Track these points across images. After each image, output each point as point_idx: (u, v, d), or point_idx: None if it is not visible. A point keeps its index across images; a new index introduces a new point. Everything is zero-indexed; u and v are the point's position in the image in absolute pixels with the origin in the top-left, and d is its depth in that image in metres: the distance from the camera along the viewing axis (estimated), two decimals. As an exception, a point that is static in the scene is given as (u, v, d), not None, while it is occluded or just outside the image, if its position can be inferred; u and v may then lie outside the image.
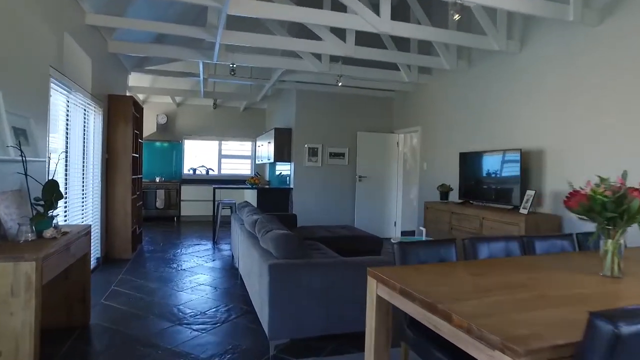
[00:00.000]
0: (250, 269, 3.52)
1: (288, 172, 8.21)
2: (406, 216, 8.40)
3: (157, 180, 9.85)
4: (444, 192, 6.09)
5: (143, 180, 10.13)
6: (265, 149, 8.86)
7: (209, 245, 7.02)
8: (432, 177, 6.97)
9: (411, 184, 8.48)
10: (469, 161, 5.78)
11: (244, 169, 11.00)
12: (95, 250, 5.15)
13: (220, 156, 10.82)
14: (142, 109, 6.81)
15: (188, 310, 3.76)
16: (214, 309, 3.82)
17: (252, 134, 10.83)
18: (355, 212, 8.02)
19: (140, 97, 9.96)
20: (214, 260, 5.85)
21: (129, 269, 5.16)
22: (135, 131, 6.13)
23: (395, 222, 8.33)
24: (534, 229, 4.36)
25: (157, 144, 10.25)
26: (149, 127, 10.09)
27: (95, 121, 5.12)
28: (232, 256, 5.92)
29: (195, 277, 4.95)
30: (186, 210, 9.87)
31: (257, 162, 10.29)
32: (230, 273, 5.17)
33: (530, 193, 4.59)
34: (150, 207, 9.60)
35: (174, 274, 5.03)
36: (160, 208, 9.65)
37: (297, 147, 7.79)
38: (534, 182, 4.84)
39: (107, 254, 5.55)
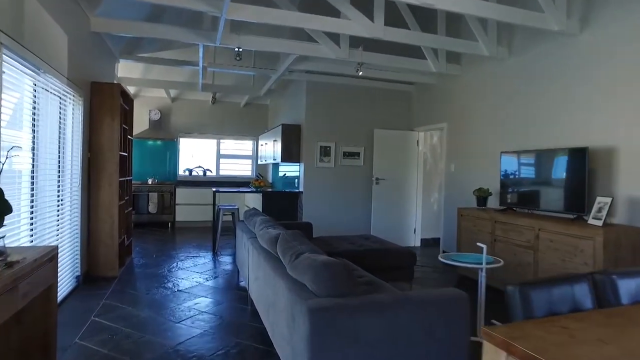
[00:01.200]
0: (271, 302, 2.68)
1: (296, 174, 7.37)
2: (427, 223, 7.60)
3: (150, 182, 8.97)
4: (482, 197, 5.28)
5: (133, 182, 9.26)
6: (270, 148, 8.01)
7: (209, 256, 6.16)
8: (461, 179, 6.16)
9: (431, 187, 7.67)
10: (514, 162, 4.97)
11: (244, 170, 10.13)
12: (74, 268, 4.28)
13: (219, 156, 9.95)
14: (132, 101, 5.94)
15: (189, 355, 2.90)
16: (223, 351, 2.97)
17: (253, 131, 9.97)
18: (371, 218, 7.20)
19: (131, 90, 9.06)
20: (215, 278, 4.99)
21: (115, 291, 4.29)
22: (124, 126, 5.26)
23: (414, 229, 7.52)
24: (613, 245, 3.56)
25: (150, 142, 9.36)
26: (141, 123, 9.20)
27: (74, 113, 4.25)
28: (237, 271, 5.07)
29: (195, 301, 4.09)
30: (181, 215, 8.98)
31: (259, 162, 9.43)
32: (237, 296, 4.32)
33: (604, 200, 3.77)
34: (141, 211, 8.71)
35: (169, 297, 4.17)
36: (152, 213, 8.76)
37: (308, 146, 6.95)
38: (601, 187, 4.04)
39: (89, 271, 4.68)
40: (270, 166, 9.55)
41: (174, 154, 9.54)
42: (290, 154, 7.08)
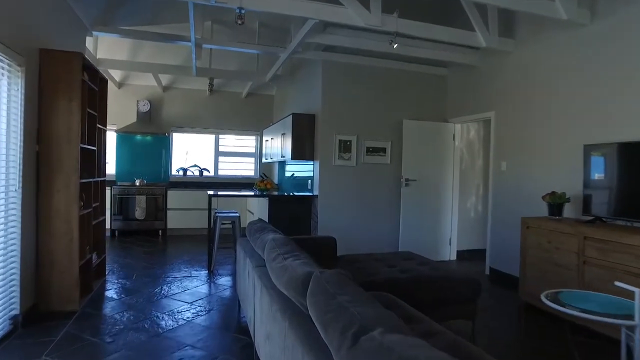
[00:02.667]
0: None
1: (308, 174, 6.15)
2: (463, 231, 6.38)
3: (137, 184, 7.75)
4: (556, 204, 4.05)
5: (119, 183, 8.07)
6: (277, 143, 6.80)
7: (203, 276, 4.94)
8: (516, 181, 4.94)
9: (468, 190, 6.45)
10: (608, 158, 3.75)
11: (246, 169, 8.91)
12: (9, 305, 3.06)
13: (218, 153, 8.73)
14: (105, 81, 4.73)
15: None
16: None
17: (257, 125, 8.75)
18: (400, 227, 5.97)
19: (117, 76, 7.86)
20: (209, 311, 3.77)
21: (67, 338, 3.07)
22: (90, 111, 4.04)
23: (449, 240, 6.29)
24: None
25: (138, 137, 8.15)
26: (127, 115, 8.00)
27: (10, 89, 3.04)
28: (238, 302, 3.86)
29: (182, 352, 2.87)
30: (174, 221, 7.77)
31: (263, 160, 8.20)
32: (238, 344, 3.09)
33: None
34: (128, 217, 7.50)
35: (142, 349, 2.94)
36: (140, 219, 7.54)
37: (324, 140, 5.72)
38: None
39: (37, 305, 3.46)
40: (277, 165, 8.33)
41: (166, 151, 8.33)
42: (302, 150, 5.86)
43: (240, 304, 3.53)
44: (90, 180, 4.07)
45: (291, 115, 5.84)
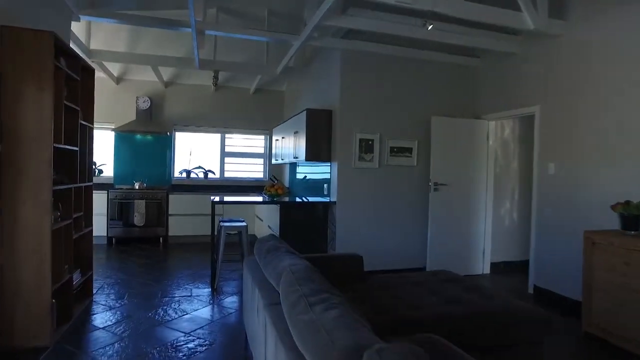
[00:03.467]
0: None
1: (324, 176, 5.48)
2: (497, 241, 5.67)
3: (137, 187, 7.13)
4: (632, 216, 3.33)
5: (117, 187, 7.47)
6: (288, 143, 6.13)
7: (205, 295, 4.29)
8: (570, 186, 4.22)
9: (502, 195, 5.74)
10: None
11: (254, 171, 8.26)
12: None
13: (224, 154, 8.08)
14: (92, 71, 4.11)
15: None
16: None
17: (266, 124, 8.10)
18: (428, 236, 5.27)
19: (114, 71, 7.25)
20: (211, 345, 3.11)
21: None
22: (69, 104, 3.40)
23: (483, 251, 5.58)
24: None
25: (137, 136, 7.53)
26: (126, 113, 7.39)
27: (-43, 71, 2.40)
28: (244, 331, 3.19)
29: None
30: (176, 227, 7.13)
31: (273, 161, 7.53)
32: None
33: None
34: (126, 223, 6.88)
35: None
36: (139, 226, 6.92)
37: (342, 139, 5.04)
38: None
39: (-2, 341, 2.82)
40: (287, 167, 7.66)
41: (168, 151, 7.71)
42: (318, 151, 5.19)
43: (247, 334, 2.87)
44: (70, 186, 3.42)
45: (305, 112, 5.17)
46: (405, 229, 5.27)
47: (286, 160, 6.39)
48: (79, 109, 3.58)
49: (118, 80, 7.47)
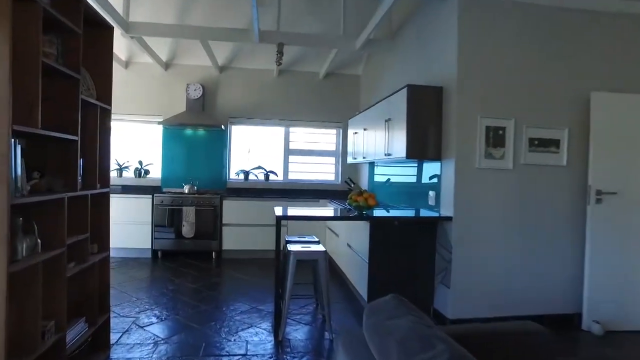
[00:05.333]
0: None
1: (428, 180, 3.95)
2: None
3: (186, 191, 6.00)
4: None
5: (164, 190, 6.38)
6: (373, 136, 4.67)
7: (266, 353, 2.93)
8: None
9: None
10: None
11: (325, 172, 6.87)
12: None
13: (288, 152, 6.77)
14: (108, 28, 2.83)
15: None
16: None
17: (338, 115, 6.69)
18: (585, 270, 3.57)
19: (162, 55, 6.16)
20: None
21: None
22: (61, 68, 2.15)
23: (664, 292, 3.77)
24: None
25: (188, 131, 6.41)
26: (175, 104, 6.30)
27: None
28: None
29: None
30: (231, 240, 5.91)
31: (349, 160, 6.08)
32: None
33: None
34: (173, 234, 5.75)
35: None
36: (188, 237, 5.76)
37: (460, 128, 3.47)
38: None
39: None
40: (366, 168, 6.20)
41: (223, 148, 6.52)
42: (423, 144, 3.66)
43: None
44: (62, 195, 2.17)
45: (406, 89, 3.65)
46: (549, 258, 3.61)
47: (369, 159, 4.91)
48: (78, 76, 2.32)
49: (167, 65, 6.39)
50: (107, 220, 2.82)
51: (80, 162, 2.45)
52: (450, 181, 3.51)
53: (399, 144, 3.76)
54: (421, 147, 3.65)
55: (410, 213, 3.94)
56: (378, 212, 3.77)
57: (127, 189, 6.06)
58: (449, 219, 3.46)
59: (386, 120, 4.09)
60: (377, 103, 4.54)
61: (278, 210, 3.59)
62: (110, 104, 2.82)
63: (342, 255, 4.73)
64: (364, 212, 3.55)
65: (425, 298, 3.65)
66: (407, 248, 3.62)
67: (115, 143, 6.52)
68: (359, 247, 3.87)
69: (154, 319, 3.53)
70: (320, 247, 3.40)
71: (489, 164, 3.48)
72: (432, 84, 3.77)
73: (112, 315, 3.44)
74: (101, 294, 2.75)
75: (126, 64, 6.34)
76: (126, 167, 6.40)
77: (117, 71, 6.31)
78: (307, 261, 3.41)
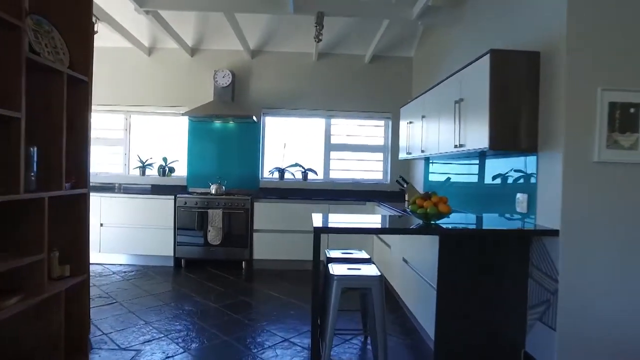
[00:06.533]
0: None
1: (510, 179, 2.98)
2: None
3: (213, 191, 5.28)
4: None
5: (190, 189, 5.70)
6: (436, 125, 3.73)
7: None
8: None
9: None
10: None
11: (371, 169, 5.96)
12: None
13: (329, 146, 5.91)
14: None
15: None
16: None
17: (386, 104, 5.77)
18: None
19: (188, 39, 5.47)
20: None
21: None
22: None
23: None
24: None
25: (216, 124, 5.69)
26: (202, 94, 5.60)
27: None
28: None
29: None
30: (263, 248, 5.13)
31: (401, 156, 5.13)
32: None
33: None
34: (196, 242, 5.05)
35: None
36: (214, 244, 5.03)
37: (570, 106, 2.47)
38: None
39: None
40: (420, 165, 5.26)
41: (255, 143, 5.75)
42: (513, 131, 2.68)
43: None
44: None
45: (488, 56, 2.69)
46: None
47: (430, 153, 3.96)
48: (20, 26, 1.56)
49: (193, 51, 5.70)
50: (84, 233, 2.06)
51: (33, 151, 1.69)
52: (554, 180, 2.53)
53: (478, 131, 2.81)
54: (511, 135, 2.68)
55: (499, 223, 2.98)
56: (448, 222, 2.83)
57: (146, 190, 5.46)
58: (553, 232, 2.48)
59: (456, 102, 3.14)
60: (441, 82, 3.59)
61: (317, 219, 2.74)
62: (88, 74, 2.06)
63: (396, 272, 3.82)
64: (432, 222, 2.63)
65: (514, 339, 2.69)
66: (489, 270, 2.67)
67: (138, 138, 5.98)
68: (422, 267, 2.95)
69: (158, 355, 2.76)
70: (373, 270, 2.52)
71: (614, 156, 2.46)
72: (524, 48, 2.78)
73: (107, 347, 2.72)
74: (73, 335, 1.99)
75: (149, 51, 5.70)
76: (149, 165, 5.76)
77: (140, 59, 5.70)
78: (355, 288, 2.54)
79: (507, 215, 3.02)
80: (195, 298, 3.99)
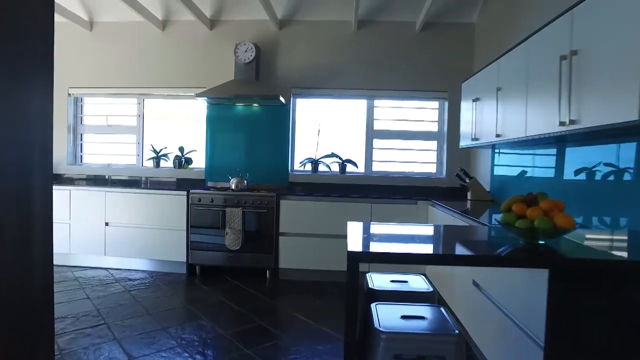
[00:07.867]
0: None
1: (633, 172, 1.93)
2: None
3: (233, 186, 4.47)
4: None
5: (208, 184, 4.91)
6: (513, 101, 2.70)
7: None
8: None
9: None
10: None
11: (422, 161, 4.95)
12: None
13: (371, 134, 4.94)
14: None
15: None
16: None
17: (442, 82, 4.73)
18: None
19: (206, 11, 4.67)
20: None
21: None
22: None
23: None
24: None
25: (238, 107, 4.87)
26: (222, 71, 4.79)
27: None
28: None
29: None
30: (291, 255, 4.26)
31: (463, 143, 4.07)
32: None
33: None
34: (212, 246, 4.26)
35: None
36: (233, 250, 4.22)
37: None
38: None
39: None
40: (485, 155, 4.21)
41: (283, 129, 4.88)
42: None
43: None
44: None
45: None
46: None
47: (510, 136, 2.92)
48: None
49: (212, 23, 4.88)
50: (46, 238, 1.23)
51: None
52: None
53: (610, 98, 1.78)
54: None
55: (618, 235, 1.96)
56: (565, 245, 1.81)
57: (158, 184, 4.75)
58: None
59: (563, 58, 2.11)
60: (532, 35, 2.54)
61: (354, 234, 1.81)
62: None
63: (459, 294, 2.85)
64: (540, 242, 1.64)
65: None
66: (625, 319, 1.65)
67: (152, 126, 5.25)
68: (512, 304, 1.97)
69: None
70: (441, 318, 1.57)
71: None
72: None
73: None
74: None
75: (163, 25, 4.95)
76: (165, 156, 5.03)
77: (153, 35, 4.97)
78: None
79: (629, 226, 1.98)
80: (201, 321, 3.18)
